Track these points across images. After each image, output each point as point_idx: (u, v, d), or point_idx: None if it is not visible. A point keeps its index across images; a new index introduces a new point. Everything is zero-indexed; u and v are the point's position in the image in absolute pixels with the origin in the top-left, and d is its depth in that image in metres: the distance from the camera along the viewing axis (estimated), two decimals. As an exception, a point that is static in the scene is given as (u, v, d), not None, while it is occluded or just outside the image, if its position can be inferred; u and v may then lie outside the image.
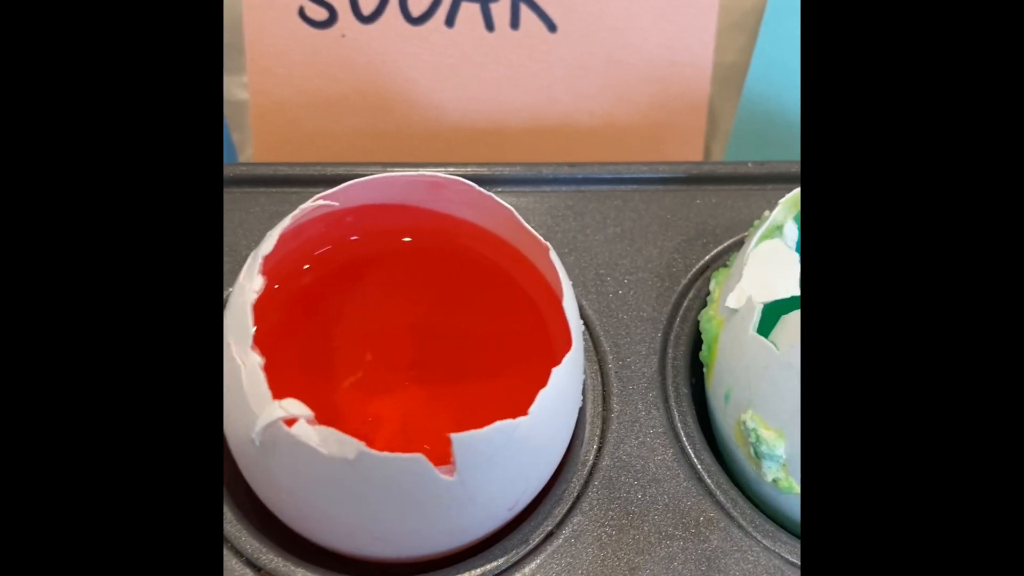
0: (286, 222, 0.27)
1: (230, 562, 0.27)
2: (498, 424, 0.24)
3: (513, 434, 0.25)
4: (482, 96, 0.39)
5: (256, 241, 0.34)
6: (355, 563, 0.28)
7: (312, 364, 0.31)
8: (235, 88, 0.43)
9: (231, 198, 0.34)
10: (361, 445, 0.24)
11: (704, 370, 0.30)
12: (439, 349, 0.32)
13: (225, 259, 0.33)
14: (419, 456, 0.24)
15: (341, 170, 0.34)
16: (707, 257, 0.33)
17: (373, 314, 0.31)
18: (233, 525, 0.28)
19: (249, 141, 0.42)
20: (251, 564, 0.27)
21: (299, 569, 0.27)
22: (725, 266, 0.31)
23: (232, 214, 0.34)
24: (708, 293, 0.31)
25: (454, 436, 0.24)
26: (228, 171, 0.35)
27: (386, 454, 0.24)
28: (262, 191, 0.35)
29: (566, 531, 0.28)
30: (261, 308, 0.26)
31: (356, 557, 0.28)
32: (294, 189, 0.35)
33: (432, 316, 0.32)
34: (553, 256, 0.28)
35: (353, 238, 0.30)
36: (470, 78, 0.38)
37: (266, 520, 0.29)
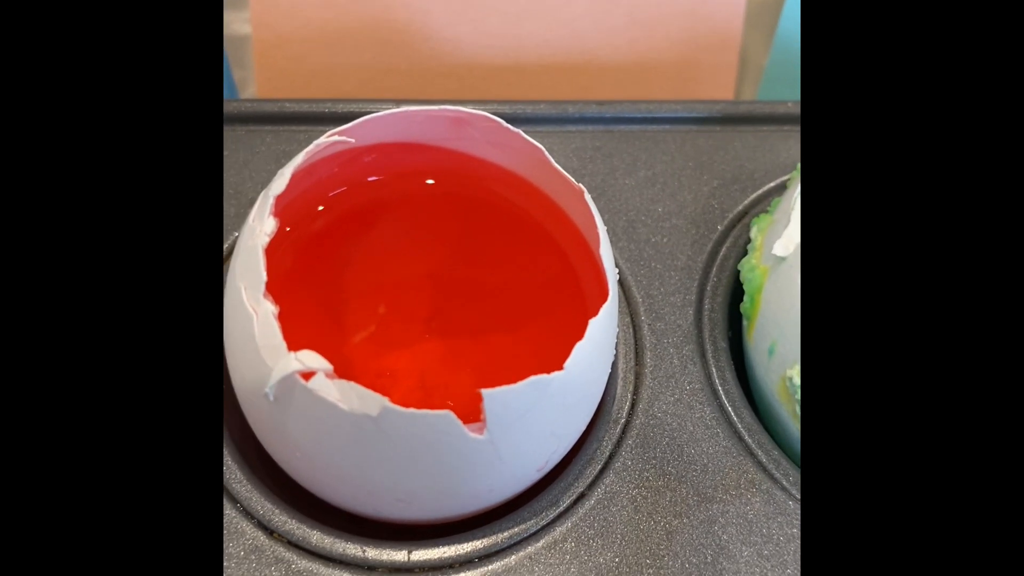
0: (299, 159, 0.25)
1: (241, 525, 0.26)
2: (532, 379, 0.22)
3: (547, 389, 0.23)
4: (500, 30, 0.36)
5: (262, 183, 0.31)
6: (374, 525, 0.27)
7: (325, 313, 0.29)
8: (236, 23, 0.40)
9: (235, 137, 0.32)
10: (385, 400, 0.22)
11: (745, 323, 0.28)
12: (460, 300, 0.30)
13: (230, 202, 0.31)
14: (447, 413, 0.22)
15: (352, 107, 0.32)
16: (745, 203, 0.31)
17: (391, 261, 0.29)
18: (244, 486, 0.26)
19: (252, 78, 0.40)
20: (263, 527, 0.26)
21: (315, 532, 0.25)
22: (766, 212, 0.29)
23: (236, 154, 0.32)
24: (748, 241, 0.29)
25: (485, 392, 0.22)
26: (231, 108, 0.32)
27: (412, 410, 0.22)
28: (268, 129, 0.32)
29: (598, 492, 0.26)
30: (272, 253, 0.24)
31: (375, 519, 0.26)
32: (302, 127, 0.32)
33: (453, 265, 0.30)
34: (588, 199, 0.25)
35: (371, 179, 0.28)
36: (488, 10, 0.36)
37: (279, 480, 0.27)
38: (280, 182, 0.24)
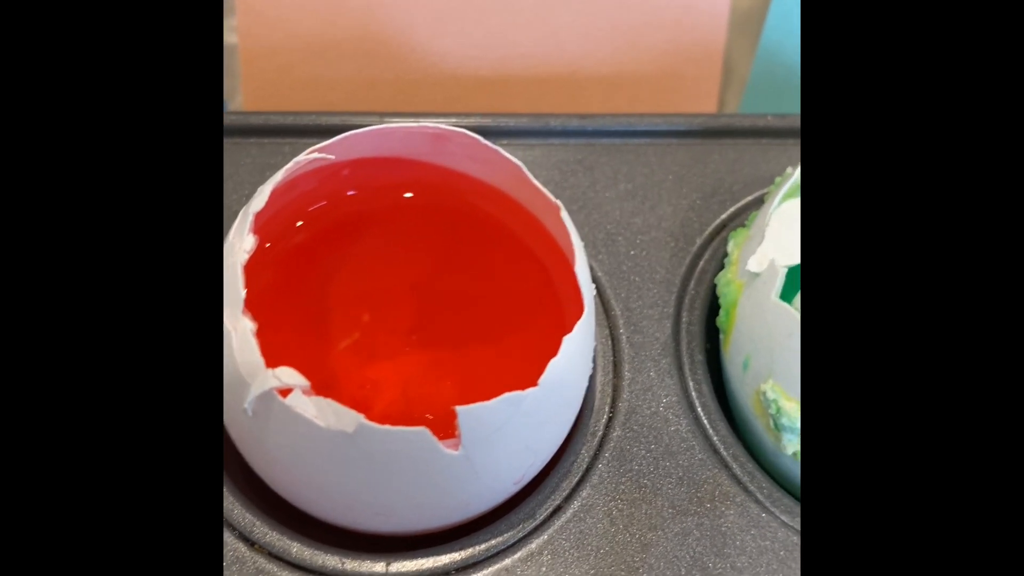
0: (278, 176, 0.25)
1: (223, 536, 0.26)
2: (505, 396, 0.23)
3: (521, 406, 0.23)
4: (485, 42, 0.36)
5: (247, 196, 0.32)
6: (353, 537, 0.27)
7: (307, 327, 0.29)
8: (223, 32, 0.40)
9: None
10: (360, 417, 0.22)
11: (721, 336, 0.29)
12: (441, 312, 0.30)
13: (214, 214, 0.31)
14: (422, 429, 0.22)
15: (336, 120, 0.32)
16: (724, 216, 0.31)
17: (371, 274, 0.30)
18: (226, 498, 0.26)
19: (238, 88, 0.40)
20: (244, 539, 0.26)
21: (295, 544, 0.26)
22: (743, 226, 0.30)
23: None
24: (725, 255, 0.29)
25: (459, 409, 0.22)
26: (216, 120, 0.33)
27: (387, 427, 0.22)
28: (253, 142, 0.33)
29: (575, 505, 0.27)
30: (252, 268, 0.24)
31: (355, 531, 0.27)
32: (287, 140, 0.33)
33: (434, 277, 0.30)
34: (564, 216, 0.26)
35: (350, 193, 0.29)
36: (473, 23, 0.36)
37: (261, 492, 0.27)
38: (259, 199, 0.25)
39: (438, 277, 0.30)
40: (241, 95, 0.38)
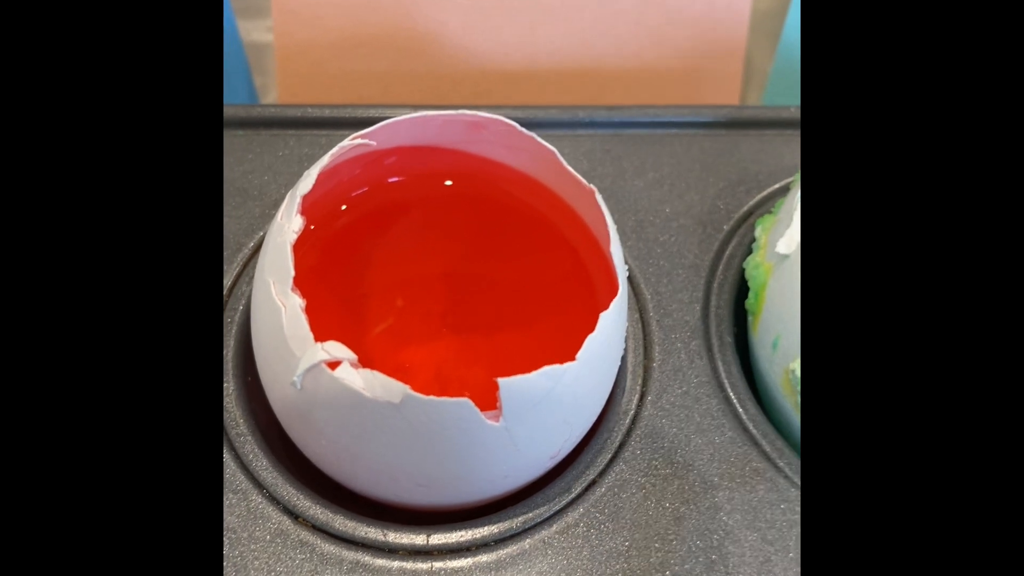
0: (324, 161, 0.26)
1: (267, 510, 0.27)
2: (545, 369, 0.24)
3: (560, 379, 0.24)
4: (514, 38, 0.37)
5: (286, 184, 0.33)
6: (394, 513, 0.28)
7: (346, 309, 0.30)
8: (257, 31, 0.42)
9: (259, 140, 0.33)
10: (407, 388, 0.23)
11: (750, 318, 0.29)
12: (475, 298, 0.31)
13: (254, 203, 0.32)
14: (466, 400, 0.23)
15: (372, 112, 0.33)
16: (750, 203, 0.32)
17: (409, 259, 0.31)
18: (270, 473, 0.27)
19: (273, 85, 0.41)
20: (289, 512, 0.27)
21: (337, 516, 0.27)
22: (770, 212, 0.31)
23: (261, 157, 0.33)
24: (753, 240, 0.30)
25: (501, 381, 0.23)
26: (256, 112, 0.34)
27: (432, 398, 0.23)
28: (291, 133, 0.34)
29: (609, 480, 0.27)
30: (297, 250, 0.25)
31: (396, 505, 0.27)
32: (323, 131, 0.34)
33: (468, 264, 0.31)
34: (599, 199, 0.27)
35: (392, 180, 0.29)
36: (502, 19, 0.37)
37: (304, 471, 0.28)
38: (307, 182, 0.26)
39: (472, 263, 0.31)
40: (276, 91, 0.40)
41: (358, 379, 0.23)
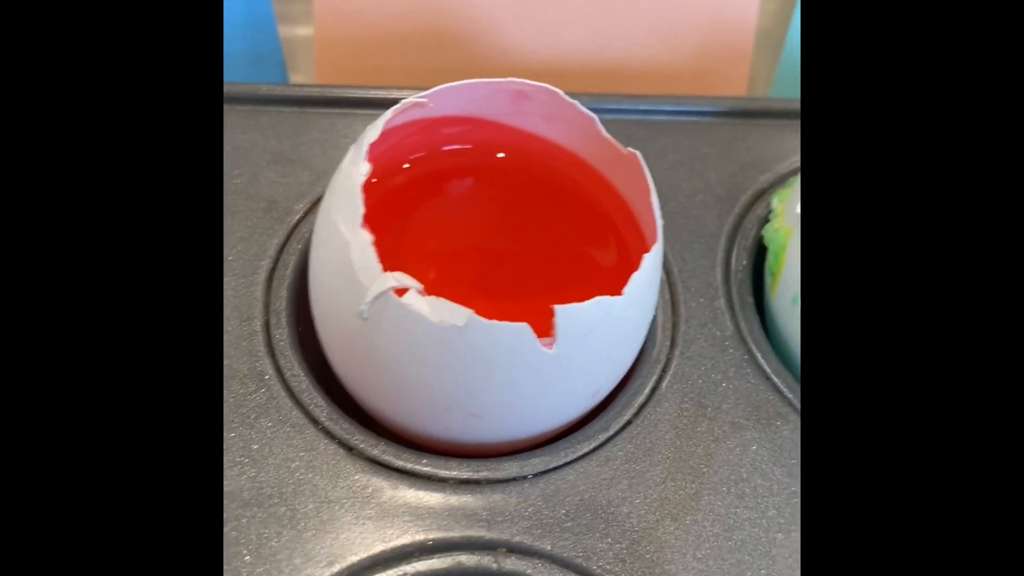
0: (388, 115, 0.28)
1: (323, 444, 0.28)
2: (597, 299, 0.26)
3: (610, 311, 0.26)
4: (541, 38, 0.40)
5: (334, 158, 0.35)
6: (439, 453, 0.29)
7: (387, 266, 0.32)
8: (292, 29, 0.44)
9: (305, 118, 0.36)
10: (471, 312, 0.25)
11: (769, 280, 0.32)
12: (513, 266, 0.33)
13: (303, 171, 0.34)
14: (524, 325, 0.25)
15: (411, 94, 0.36)
16: (763, 182, 0.35)
17: (454, 225, 0.33)
18: (323, 410, 0.29)
19: (309, 81, 0.43)
20: (344, 445, 0.28)
21: (390, 448, 0.28)
22: (785, 186, 0.33)
23: (308, 131, 0.35)
24: (770, 211, 0.33)
25: (558, 308, 0.25)
26: (303, 92, 0.36)
27: (494, 321, 0.25)
28: (336, 111, 0.36)
29: (643, 419, 0.29)
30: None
31: (444, 443, 0.29)
32: (367, 111, 0.36)
33: (510, 233, 0.33)
34: (640, 159, 0.29)
35: (447, 148, 0.32)
36: (530, 20, 0.40)
37: (354, 416, 0.30)
38: (373, 132, 0.28)
39: (513, 233, 0.33)
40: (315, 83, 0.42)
41: (424, 305, 0.25)
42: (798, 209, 0.30)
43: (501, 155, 0.32)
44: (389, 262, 0.32)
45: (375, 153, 0.29)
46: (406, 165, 0.32)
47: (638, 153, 0.29)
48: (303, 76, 0.44)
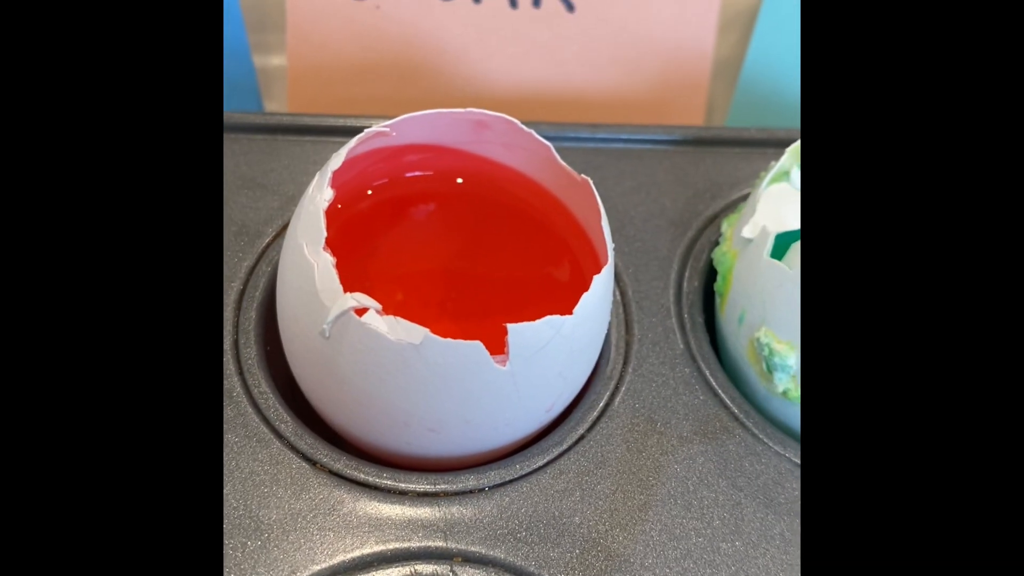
0: (351, 144, 0.30)
1: (287, 458, 0.29)
2: (548, 318, 0.27)
3: (560, 329, 0.27)
4: (504, 68, 0.42)
5: (303, 183, 0.36)
6: (400, 467, 0.30)
7: (351, 290, 0.33)
8: (267, 58, 0.46)
9: (276, 145, 0.37)
10: (426, 331, 0.26)
11: (718, 300, 0.33)
12: (473, 288, 0.34)
13: (273, 197, 0.36)
14: (478, 343, 0.26)
15: (379, 123, 0.37)
16: (715, 208, 0.36)
17: (416, 250, 0.34)
18: (288, 425, 0.30)
19: (283, 109, 0.45)
20: (308, 459, 0.29)
21: (352, 462, 0.29)
22: (734, 212, 0.35)
23: (278, 158, 0.37)
24: (720, 235, 0.34)
25: (510, 326, 0.27)
26: (274, 120, 0.37)
27: (448, 340, 0.26)
28: (307, 139, 0.37)
29: (596, 434, 0.30)
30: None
31: (406, 456, 0.30)
32: (336, 138, 0.37)
33: (470, 255, 0.34)
34: (591, 185, 0.31)
35: (408, 175, 0.33)
36: (494, 51, 0.42)
37: (316, 432, 0.31)
38: (336, 160, 0.29)
39: (472, 256, 0.35)
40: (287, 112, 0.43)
41: (383, 324, 0.27)
42: (744, 233, 0.31)
43: (460, 180, 0.34)
44: (356, 284, 0.34)
45: (340, 180, 0.31)
46: (369, 191, 0.33)
47: (590, 180, 0.30)
48: (277, 104, 0.45)
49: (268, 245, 0.34)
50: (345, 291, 0.33)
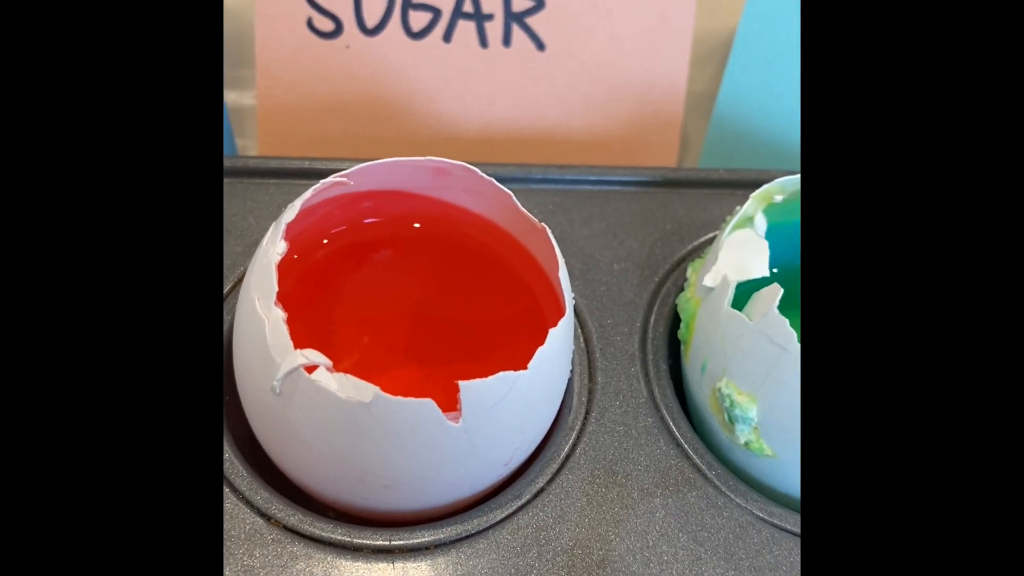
0: (307, 195, 0.29)
1: (242, 512, 0.29)
2: (501, 374, 0.27)
3: (514, 384, 0.27)
4: (475, 108, 0.42)
5: (265, 227, 0.36)
6: (360, 522, 0.30)
7: (316, 339, 0.33)
8: (239, 95, 0.45)
9: (241, 188, 0.37)
10: (376, 389, 0.26)
11: (682, 347, 0.33)
12: (436, 332, 0.34)
13: (236, 242, 0.35)
14: (429, 401, 0.26)
15: (346, 165, 0.37)
16: (683, 251, 0.36)
17: (378, 295, 0.34)
18: (244, 479, 0.30)
19: (253, 146, 0.45)
20: (262, 514, 0.29)
21: (307, 518, 0.29)
22: (700, 257, 0.34)
23: (243, 202, 0.36)
24: (685, 280, 0.34)
25: (462, 383, 0.26)
26: (240, 163, 0.37)
27: (399, 398, 0.26)
28: (272, 182, 0.37)
29: (556, 487, 0.30)
30: (280, 273, 0.28)
31: (362, 511, 0.30)
32: (302, 181, 0.37)
33: (432, 300, 0.34)
34: (549, 234, 0.30)
35: (367, 221, 0.33)
36: (465, 91, 0.41)
37: (276, 483, 0.30)
38: (290, 212, 0.29)
39: (435, 300, 0.34)
40: (256, 151, 0.43)
41: (332, 381, 0.26)
42: (706, 281, 0.31)
43: (417, 225, 0.34)
44: (320, 331, 0.34)
45: (296, 231, 0.30)
46: (325, 240, 0.33)
47: (547, 228, 0.30)
48: (249, 141, 0.45)
49: (227, 294, 0.34)
50: (306, 340, 0.33)
